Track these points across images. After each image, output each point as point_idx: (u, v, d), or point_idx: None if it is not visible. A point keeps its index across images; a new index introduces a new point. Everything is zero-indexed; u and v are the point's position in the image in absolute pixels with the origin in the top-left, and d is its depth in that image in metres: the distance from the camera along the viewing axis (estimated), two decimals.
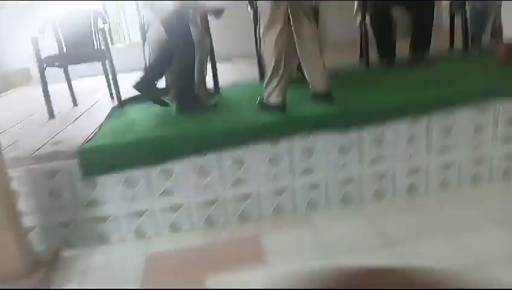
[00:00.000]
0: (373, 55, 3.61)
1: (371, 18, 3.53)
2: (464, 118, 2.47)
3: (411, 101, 2.50)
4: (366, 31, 3.64)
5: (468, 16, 3.76)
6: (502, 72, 2.87)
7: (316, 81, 2.65)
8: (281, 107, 2.51)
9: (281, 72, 2.47)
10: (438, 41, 3.91)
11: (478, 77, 2.82)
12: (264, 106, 2.57)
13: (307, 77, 2.69)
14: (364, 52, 3.71)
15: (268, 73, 2.51)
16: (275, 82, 2.49)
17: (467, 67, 3.19)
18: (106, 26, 3.47)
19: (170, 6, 2.61)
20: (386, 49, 3.52)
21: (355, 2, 3.82)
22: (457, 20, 3.94)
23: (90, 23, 3.65)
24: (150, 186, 2.31)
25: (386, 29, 3.45)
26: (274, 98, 2.51)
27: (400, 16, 3.49)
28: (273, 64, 2.45)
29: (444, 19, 4.20)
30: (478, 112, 2.47)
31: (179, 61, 2.73)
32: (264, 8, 2.46)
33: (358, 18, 3.75)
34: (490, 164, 2.56)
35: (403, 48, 3.57)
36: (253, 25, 3.53)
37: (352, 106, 2.55)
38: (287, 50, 2.50)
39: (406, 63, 3.50)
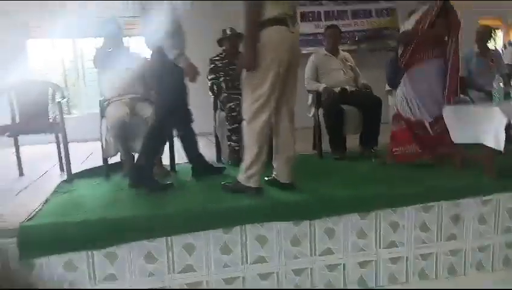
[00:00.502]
0: (326, 145, 3.78)
1: (324, 113, 3.74)
2: (410, 214, 2.56)
3: (360, 197, 2.58)
4: (319, 123, 3.83)
5: None
6: (441, 173, 3.03)
7: (283, 171, 2.68)
8: (259, 192, 2.54)
9: (262, 158, 2.52)
10: (387, 136, 4.16)
11: (421, 177, 2.93)
12: (240, 188, 2.56)
13: (274, 164, 2.72)
14: (317, 143, 3.87)
15: (248, 157, 2.52)
16: (255, 168, 2.51)
17: (411, 166, 3.28)
18: (64, 101, 3.45)
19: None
20: (337, 143, 3.69)
21: (310, 95, 4.07)
22: None
23: (47, 95, 3.63)
24: (91, 271, 2.17)
25: (338, 124, 3.65)
26: (253, 183, 2.53)
27: (351, 113, 3.72)
28: (256, 150, 2.48)
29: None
30: (423, 210, 2.58)
31: (152, 135, 2.80)
32: (256, 94, 2.47)
33: (312, 110, 3.97)
34: (436, 259, 2.63)
35: (355, 142, 3.79)
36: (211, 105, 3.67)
37: (307, 196, 2.59)
38: (269, 138, 2.57)
39: (359, 155, 3.68)
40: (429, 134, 3.17)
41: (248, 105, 2.51)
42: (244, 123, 2.56)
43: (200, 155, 3.21)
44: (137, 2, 2.83)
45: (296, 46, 2.58)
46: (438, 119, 3.15)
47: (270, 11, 2.41)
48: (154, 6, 2.68)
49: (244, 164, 2.56)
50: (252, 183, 2.53)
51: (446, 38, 3.17)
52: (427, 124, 3.17)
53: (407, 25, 3.32)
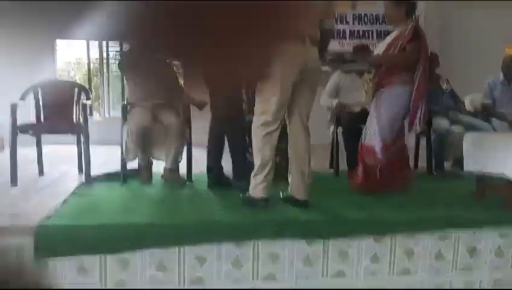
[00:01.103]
0: (342, 164, 3.75)
1: (343, 131, 3.73)
2: (426, 241, 2.52)
3: (374, 219, 2.56)
4: (337, 141, 3.82)
5: (432, 140, 3.99)
6: (461, 202, 2.98)
7: (299, 188, 2.66)
8: (264, 203, 2.55)
9: (267, 169, 2.52)
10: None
11: (439, 204, 2.90)
12: (246, 199, 2.59)
13: (289, 180, 2.72)
14: (334, 161, 3.84)
15: (255, 167, 2.54)
16: (260, 177, 2.53)
17: (429, 192, 3.26)
18: (88, 103, 3.51)
19: None
20: (355, 162, 3.66)
21: (330, 112, 4.06)
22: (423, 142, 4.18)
23: (73, 96, 3.69)
24: (103, 275, 2.19)
25: (357, 144, 3.62)
26: (258, 193, 2.54)
27: None
28: (260, 160, 2.50)
29: (411, 140, 4.44)
30: (439, 238, 2.53)
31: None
32: (263, 107, 2.51)
33: (332, 127, 3.96)
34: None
35: None
36: None
37: (321, 215, 2.58)
38: (275, 148, 2.57)
39: None
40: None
41: (256, 116, 2.55)
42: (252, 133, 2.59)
43: (221, 167, 3.23)
44: None
45: (313, 63, 2.55)
46: (389, 146, 3.07)
47: None
48: None
49: (252, 175, 2.57)
50: (256, 194, 2.54)
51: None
52: (378, 149, 3.07)
53: (379, 48, 3.22)
